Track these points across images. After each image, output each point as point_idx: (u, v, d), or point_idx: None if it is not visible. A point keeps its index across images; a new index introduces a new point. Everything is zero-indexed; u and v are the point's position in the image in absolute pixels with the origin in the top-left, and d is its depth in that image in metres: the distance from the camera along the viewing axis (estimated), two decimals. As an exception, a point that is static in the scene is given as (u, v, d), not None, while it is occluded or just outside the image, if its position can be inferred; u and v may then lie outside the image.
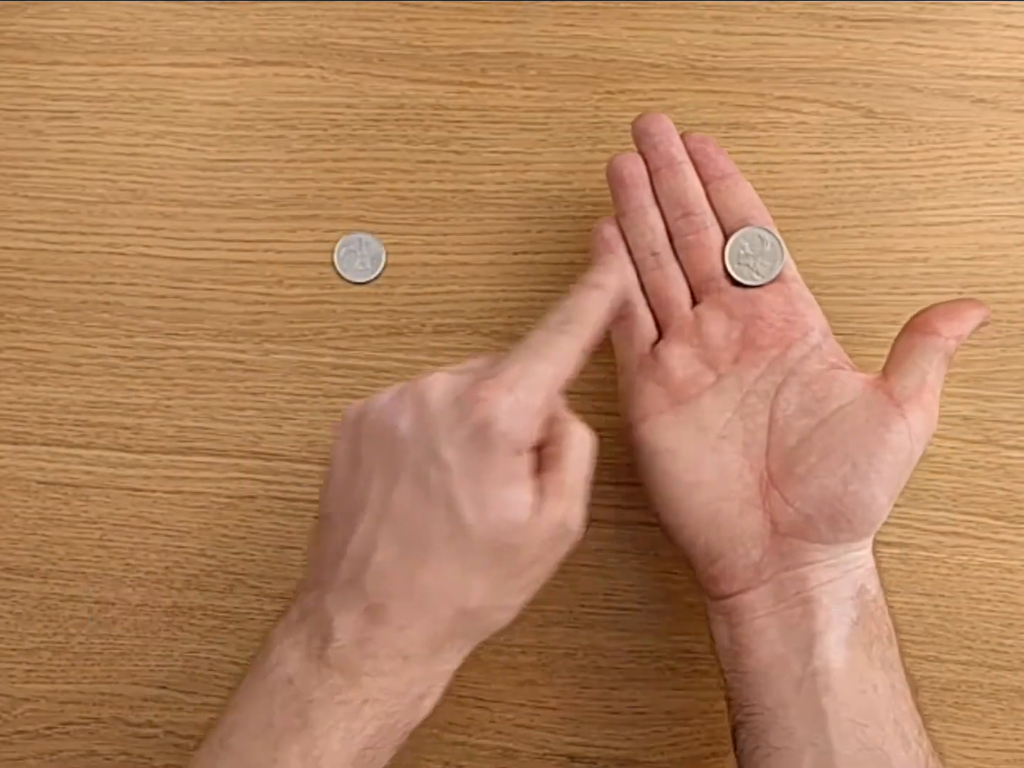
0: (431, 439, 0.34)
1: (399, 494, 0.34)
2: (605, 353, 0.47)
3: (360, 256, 0.47)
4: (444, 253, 0.48)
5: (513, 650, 0.48)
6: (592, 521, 0.47)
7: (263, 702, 0.35)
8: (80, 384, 0.49)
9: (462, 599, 0.34)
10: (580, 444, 0.36)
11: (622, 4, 0.47)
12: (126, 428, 0.49)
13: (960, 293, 0.47)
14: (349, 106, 0.48)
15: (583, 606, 0.48)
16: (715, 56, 0.47)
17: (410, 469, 0.34)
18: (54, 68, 0.49)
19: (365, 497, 0.35)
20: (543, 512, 0.34)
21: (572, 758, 0.48)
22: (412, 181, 0.48)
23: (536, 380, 0.34)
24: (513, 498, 0.34)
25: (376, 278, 0.48)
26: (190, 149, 0.48)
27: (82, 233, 0.49)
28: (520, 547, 0.34)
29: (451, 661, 0.36)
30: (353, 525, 0.35)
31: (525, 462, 0.35)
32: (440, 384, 0.35)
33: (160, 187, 0.48)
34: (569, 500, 0.35)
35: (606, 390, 0.47)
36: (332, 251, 0.48)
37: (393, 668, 0.34)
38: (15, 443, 0.49)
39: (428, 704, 0.36)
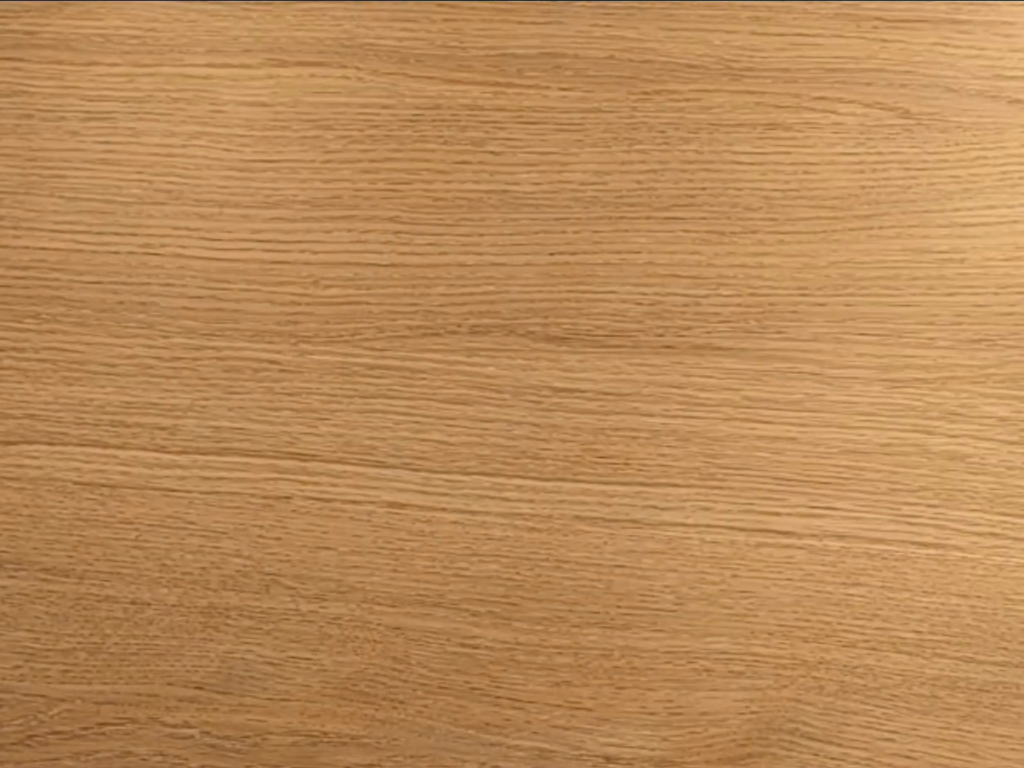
0: None
1: None
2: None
3: None
4: (480, 254, 0.48)
5: (549, 651, 0.48)
6: (628, 522, 0.47)
7: None
8: (116, 385, 0.49)
9: None
10: None
11: (658, 5, 0.47)
12: (162, 429, 0.49)
13: (996, 294, 0.46)
14: (385, 107, 0.48)
15: (619, 607, 0.48)
16: (751, 57, 0.47)
17: None
18: (90, 69, 0.49)
19: None
20: None
21: (608, 759, 0.48)
22: (448, 182, 0.48)
23: None
24: None
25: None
26: (226, 150, 0.48)
27: (118, 234, 0.49)
28: None
29: None
30: None
31: None
32: None
33: (196, 188, 0.48)
34: None
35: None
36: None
37: None
38: (51, 444, 0.49)
39: None
